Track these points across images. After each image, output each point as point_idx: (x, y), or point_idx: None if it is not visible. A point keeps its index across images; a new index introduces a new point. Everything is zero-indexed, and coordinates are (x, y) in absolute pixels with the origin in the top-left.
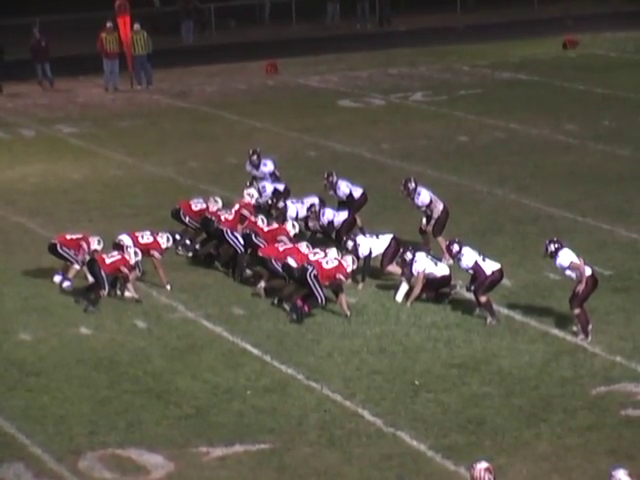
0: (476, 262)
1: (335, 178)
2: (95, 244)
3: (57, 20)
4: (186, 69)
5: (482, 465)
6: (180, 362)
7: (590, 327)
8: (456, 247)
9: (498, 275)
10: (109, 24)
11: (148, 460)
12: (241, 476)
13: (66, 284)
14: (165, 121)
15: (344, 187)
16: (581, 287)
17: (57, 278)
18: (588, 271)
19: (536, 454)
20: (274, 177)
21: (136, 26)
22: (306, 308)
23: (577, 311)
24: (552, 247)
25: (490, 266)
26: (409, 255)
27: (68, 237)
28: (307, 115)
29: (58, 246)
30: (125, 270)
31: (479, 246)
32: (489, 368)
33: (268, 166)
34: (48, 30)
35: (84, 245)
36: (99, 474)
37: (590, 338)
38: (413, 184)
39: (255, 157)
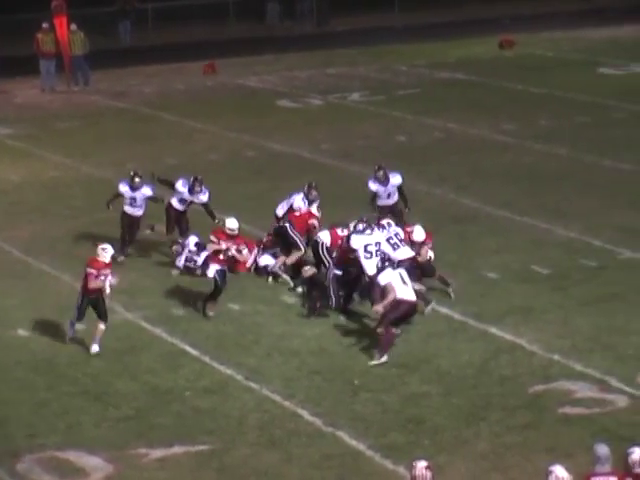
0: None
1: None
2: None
3: None
4: (124, 70)
5: (422, 464)
6: (119, 364)
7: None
8: (360, 226)
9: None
10: (45, 24)
11: (87, 462)
12: (180, 477)
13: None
14: (103, 122)
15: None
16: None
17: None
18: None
19: (475, 453)
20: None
21: (73, 26)
22: (317, 304)
23: (380, 330)
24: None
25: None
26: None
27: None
28: (246, 115)
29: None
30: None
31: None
32: (428, 367)
33: (205, 196)
34: None
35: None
36: (37, 477)
37: (385, 358)
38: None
39: (197, 185)
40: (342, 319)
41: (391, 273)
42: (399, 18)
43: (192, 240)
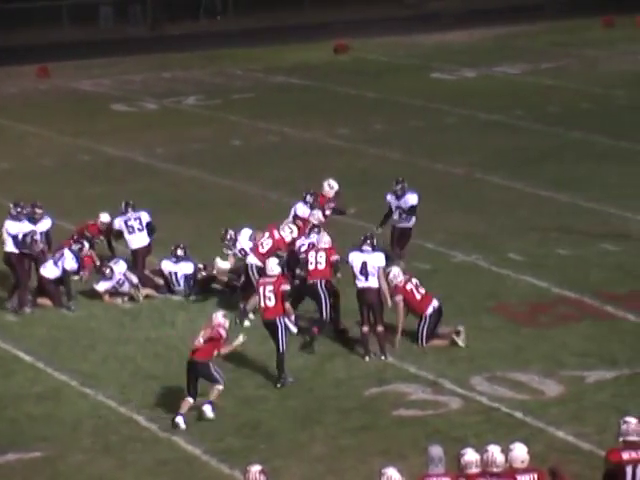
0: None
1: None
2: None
3: None
4: None
5: (256, 467)
6: None
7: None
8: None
9: None
10: None
11: None
12: None
13: None
14: None
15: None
16: None
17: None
18: None
19: (311, 456)
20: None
21: None
22: (315, 330)
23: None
24: None
25: None
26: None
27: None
28: (80, 119)
29: None
30: None
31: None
32: (264, 371)
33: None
34: None
35: None
36: None
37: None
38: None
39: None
40: (178, 324)
41: (356, 255)
42: (234, 22)
43: (121, 267)
